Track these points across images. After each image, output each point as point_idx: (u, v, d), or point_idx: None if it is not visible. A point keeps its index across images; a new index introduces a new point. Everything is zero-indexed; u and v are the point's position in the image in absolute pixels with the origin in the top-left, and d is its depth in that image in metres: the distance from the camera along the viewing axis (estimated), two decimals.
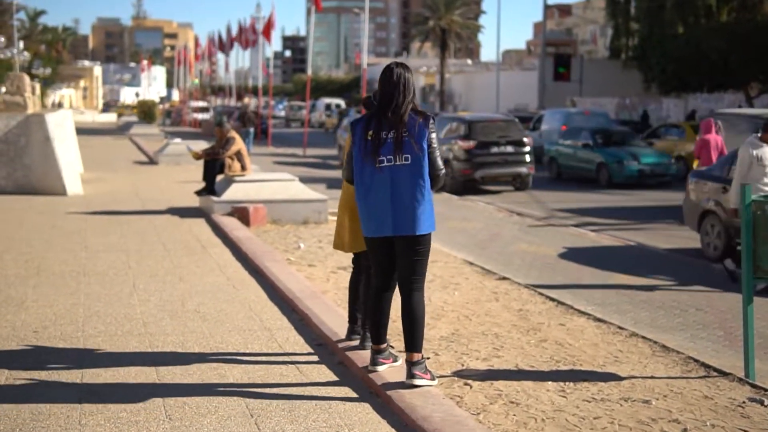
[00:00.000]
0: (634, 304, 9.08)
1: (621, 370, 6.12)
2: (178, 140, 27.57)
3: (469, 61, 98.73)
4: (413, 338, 5.44)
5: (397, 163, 5.38)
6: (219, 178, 14.59)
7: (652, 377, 5.96)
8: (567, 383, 5.75)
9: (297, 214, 13.25)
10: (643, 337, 7.05)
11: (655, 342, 6.90)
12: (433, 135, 5.46)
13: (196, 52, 65.14)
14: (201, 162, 14.94)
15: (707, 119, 15.63)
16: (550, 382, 5.76)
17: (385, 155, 5.39)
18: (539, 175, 24.07)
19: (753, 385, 5.83)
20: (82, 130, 35.11)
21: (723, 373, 6.07)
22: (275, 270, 9.00)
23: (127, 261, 9.77)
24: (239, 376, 5.79)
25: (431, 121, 5.45)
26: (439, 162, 5.48)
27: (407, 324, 5.46)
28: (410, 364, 5.43)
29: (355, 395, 5.45)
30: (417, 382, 5.38)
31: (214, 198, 13.61)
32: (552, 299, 8.45)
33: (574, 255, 12.00)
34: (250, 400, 5.30)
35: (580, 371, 6.06)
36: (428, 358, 5.89)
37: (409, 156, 5.37)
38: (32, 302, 7.77)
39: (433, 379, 5.51)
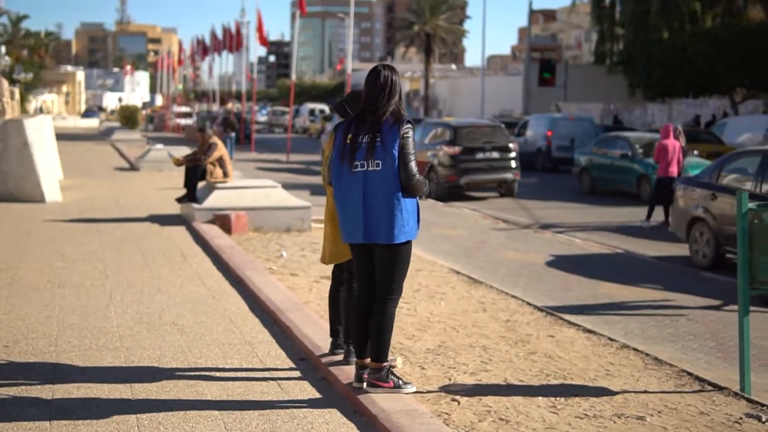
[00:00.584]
0: (624, 313, 8.91)
1: (613, 384, 5.94)
2: (160, 146, 27.28)
3: (454, 66, 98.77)
4: (375, 348, 5.38)
5: (369, 168, 5.24)
6: (200, 184, 14.34)
7: (645, 392, 5.78)
8: (558, 398, 5.56)
9: (280, 222, 13.02)
10: (635, 349, 6.87)
11: (647, 354, 6.72)
12: (408, 140, 5.24)
13: (180, 57, 64.78)
14: (183, 168, 14.69)
15: (666, 125, 16.28)
16: (540, 398, 5.57)
17: (360, 160, 5.27)
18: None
19: (749, 400, 5.65)
20: (63, 136, 34.79)
21: (718, 387, 5.89)
22: (257, 280, 8.77)
23: (105, 271, 9.51)
24: (217, 393, 5.56)
25: (404, 125, 5.24)
26: (412, 168, 5.23)
27: (373, 333, 5.38)
28: (371, 371, 5.39)
29: (339, 414, 5.23)
30: (373, 390, 5.35)
31: (195, 205, 13.36)
32: (540, 309, 8.27)
33: (561, 263, 11.83)
34: (229, 420, 5.07)
35: (571, 385, 5.87)
36: (394, 366, 5.71)
37: (380, 162, 5.22)
38: (3, 315, 7.49)
39: (397, 386, 5.40)
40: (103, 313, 7.62)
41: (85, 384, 5.68)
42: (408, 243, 5.37)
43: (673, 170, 15.44)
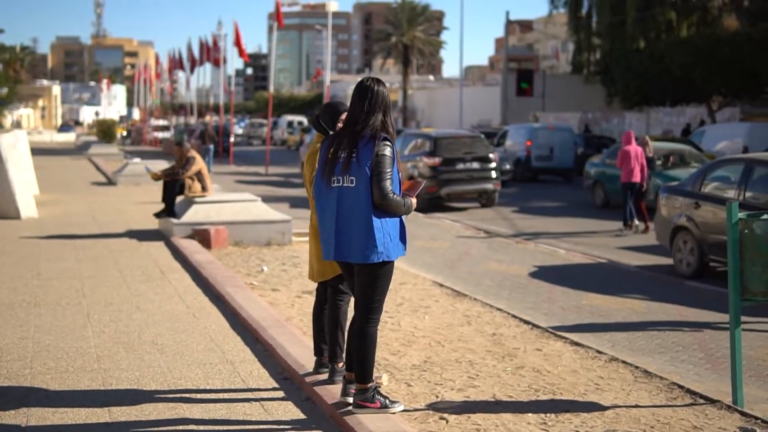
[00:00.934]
0: (610, 325, 8.81)
1: (603, 398, 5.83)
2: (137, 160, 27.01)
3: (432, 77, 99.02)
4: (358, 370, 5.22)
5: (344, 184, 5.05)
6: (179, 199, 14.15)
7: (636, 406, 5.67)
8: (548, 414, 5.45)
9: (260, 236, 12.85)
10: (624, 362, 6.77)
11: (637, 367, 6.63)
12: (384, 158, 4.98)
13: (157, 70, 64.41)
14: (160, 183, 14.49)
15: (627, 131, 16.59)
16: (530, 414, 5.44)
17: (337, 175, 5.09)
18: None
19: (742, 413, 5.56)
20: (39, 151, 34.40)
21: (710, 400, 5.80)
22: (237, 296, 8.60)
23: (81, 289, 9.30)
24: (199, 415, 5.39)
25: (380, 142, 5.01)
26: (385, 187, 4.95)
27: (355, 354, 5.21)
28: (356, 391, 5.25)
29: None
30: (360, 410, 5.20)
31: (174, 220, 13.16)
32: (526, 322, 8.16)
33: (545, 274, 11.73)
34: None
35: (560, 401, 5.76)
36: (380, 385, 5.57)
37: (354, 179, 5.01)
38: None
39: (384, 406, 5.23)
40: (80, 333, 7.42)
41: (62, 408, 5.49)
42: (386, 264, 5.11)
43: (636, 175, 15.82)
